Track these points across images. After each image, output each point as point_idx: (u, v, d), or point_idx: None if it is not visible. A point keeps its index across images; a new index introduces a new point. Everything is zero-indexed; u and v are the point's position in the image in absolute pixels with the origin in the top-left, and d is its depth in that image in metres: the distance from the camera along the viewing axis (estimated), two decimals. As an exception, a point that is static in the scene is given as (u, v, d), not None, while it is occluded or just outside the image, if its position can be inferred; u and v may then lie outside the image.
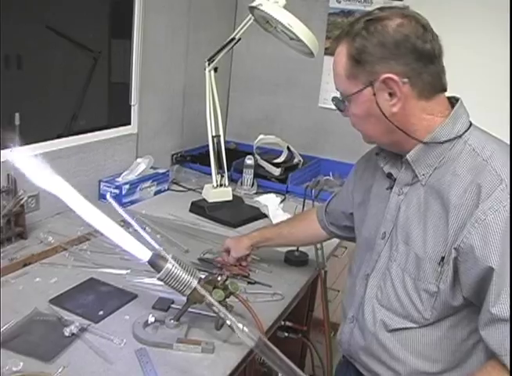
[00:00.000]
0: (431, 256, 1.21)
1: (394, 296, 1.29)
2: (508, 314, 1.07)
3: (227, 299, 1.39)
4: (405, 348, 1.28)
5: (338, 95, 1.31)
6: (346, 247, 2.52)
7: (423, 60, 1.18)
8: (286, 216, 2.37)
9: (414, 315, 1.25)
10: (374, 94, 1.20)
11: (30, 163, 1.20)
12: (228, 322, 1.33)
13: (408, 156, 1.26)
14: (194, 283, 1.34)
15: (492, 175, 1.14)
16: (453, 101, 1.28)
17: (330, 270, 2.04)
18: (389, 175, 1.35)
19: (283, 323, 1.87)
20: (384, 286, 1.32)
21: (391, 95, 1.20)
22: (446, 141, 1.22)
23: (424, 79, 1.20)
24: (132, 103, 2.56)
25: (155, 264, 1.33)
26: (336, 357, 2.23)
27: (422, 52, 1.17)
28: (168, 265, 1.32)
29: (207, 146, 2.47)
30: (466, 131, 1.23)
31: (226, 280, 1.39)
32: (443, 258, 1.19)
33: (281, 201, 2.49)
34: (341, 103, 1.30)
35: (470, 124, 1.26)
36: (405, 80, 1.18)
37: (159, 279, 1.34)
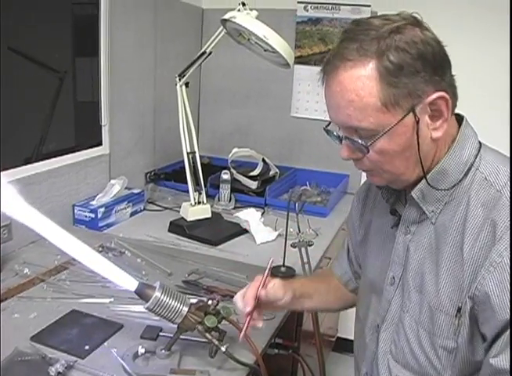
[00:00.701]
0: (447, 307, 1.05)
1: (409, 352, 1.13)
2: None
3: (219, 324, 1.34)
4: None
5: (342, 136, 1.09)
6: (330, 258, 2.48)
7: (450, 70, 1.04)
8: (268, 231, 2.32)
9: (432, 375, 1.10)
10: (418, 121, 1.00)
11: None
12: (222, 348, 1.28)
13: (413, 193, 1.10)
14: (185, 310, 1.28)
15: (506, 209, 1.00)
16: (458, 118, 1.14)
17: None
18: (393, 212, 1.21)
19: (272, 340, 1.82)
20: (398, 340, 1.16)
21: (432, 118, 1.03)
22: (455, 172, 1.08)
23: (455, 93, 1.06)
24: (103, 123, 2.49)
25: (142, 293, 1.27)
26: (329, 369, 2.19)
27: (449, 60, 1.03)
28: (157, 294, 1.26)
29: (181, 162, 2.42)
30: (476, 155, 1.09)
31: (217, 304, 1.33)
32: (460, 308, 1.03)
33: (261, 215, 2.43)
34: (361, 147, 1.05)
35: (480, 145, 1.12)
36: (450, 96, 1.02)
37: (147, 309, 1.27)
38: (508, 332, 0.94)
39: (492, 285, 0.96)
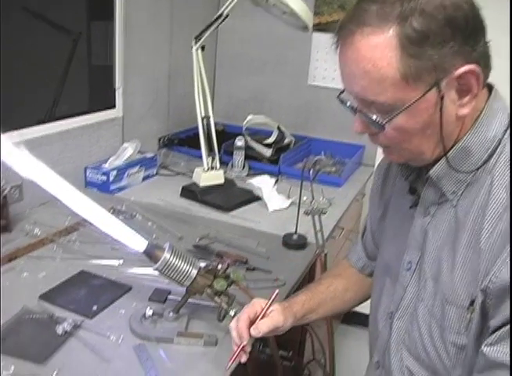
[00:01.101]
0: (460, 299, 0.97)
1: (420, 345, 1.05)
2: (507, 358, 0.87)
3: (228, 288, 1.31)
4: None
5: (356, 107, 0.99)
6: (343, 228, 2.46)
7: (485, 37, 0.92)
8: (280, 199, 2.29)
9: (441, 371, 1.02)
10: (442, 97, 0.90)
11: (11, 151, 1.10)
12: (231, 313, 1.26)
13: (431, 172, 1.00)
14: (194, 273, 1.26)
15: None
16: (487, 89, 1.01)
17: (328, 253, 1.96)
18: (412, 191, 1.11)
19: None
20: (412, 330, 1.07)
21: (460, 92, 0.92)
22: (479, 151, 0.97)
23: (488, 63, 0.94)
24: (116, 86, 2.45)
25: (151, 254, 1.24)
26: (337, 340, 2.18)
27: (483, 26, 0.91)
28: (166, 255, 1.24)
29: (195, 128, 2.38)
30: (504, 132, 0.96)
31: (227, 268, 1.30)
32: (473, 301, 0.94)
33: (274, 183, 2.40)
34: (375, 124, 0.95)
35: (509, 121, 0.98)
36: (482, 68, 0.90)
37: (156, 270, 1.25)
38: (509, 326, 0.87)
39: (507, 278, 0.86)
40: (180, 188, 2.35)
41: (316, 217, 1.87)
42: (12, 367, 1.18)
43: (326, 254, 1.90)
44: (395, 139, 0.96)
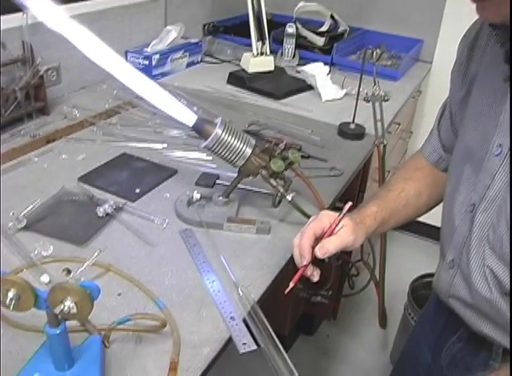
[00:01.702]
0: None
1: (507, 243, 0.89)
2: None
3: (285, 172, 1.18)
4: None
5: None
6: (399, 124, 2.29)
7: None
8: (335, 89, 2.12)
9: None
10: None
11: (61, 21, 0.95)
12: (288, 197, 1.13)
13: None
14: (248, 152, 1.13)
15: None
16: None
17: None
18: (509, 60, 0.90)
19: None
20: (498, 225, 0.91)
21: None
22: None
23: None
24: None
25: (201, 129, 1.11)
26: (390, 242, 2.07)
27: None
28: (218, 131, 1.10)
29: (240, 16, 2.20)
30: None
31: (285, 148, 1.16)
32: None
33: (328, 72, 2.21)
34: None
35: None
36: None
37: (206, 147, 1.12)
38: None
39: None
40: (227, 75, 2.20)
41: (377, 105, 1.71)
42: (51, 248, 1.09)
43: (385, 146, 1.75)
44: None
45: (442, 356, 1.11)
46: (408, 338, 1.34)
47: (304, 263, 0.98)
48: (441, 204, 1.15)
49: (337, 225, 0.99)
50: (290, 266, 1.10)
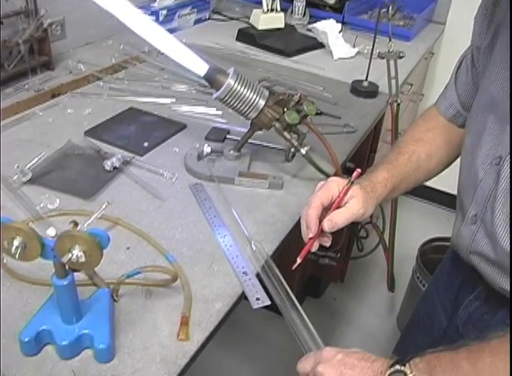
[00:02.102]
0: None
1: None
2: None
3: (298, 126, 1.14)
4: None
5: None
6: (412, 84, 2.24)
7: None
8: (347, 47, 2.06)
9: None
10: None
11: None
12: (302, 151, 1.09)
13: None
14: (261, 103, 1.09)
15: None
16: None
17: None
18: None
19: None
20: None
21: None
22: None
23: None
24: None
25: (213, 79, 1.06)
26: (398, 207, 2.03)
27: None
28: (230, 81, 1.06)
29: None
30: None
31: (299, 100, 1.12)
32: None
33: (340, 30, 2.15)
34: None
35: None
36: None
37: (217, 98, 1.08)
38: None
39: None
40: (235, 32, 2.14)
41: (391, 62, 1.65)
42: (58, 201, 1.06)
43: (398, 105, 1.70)
44: None
45: (458, 315, 1.08)
46: (420, 300, 1.31)
47: (311, 236, 0.91)
48: (450, 168, 1.10)
49: (345, 195, 0.93)
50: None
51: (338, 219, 0.90)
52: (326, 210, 0.93)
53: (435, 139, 1.15)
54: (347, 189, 0.92)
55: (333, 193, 0.92)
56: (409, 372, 0.68)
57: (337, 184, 0.93)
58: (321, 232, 0.91)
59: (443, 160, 1.16)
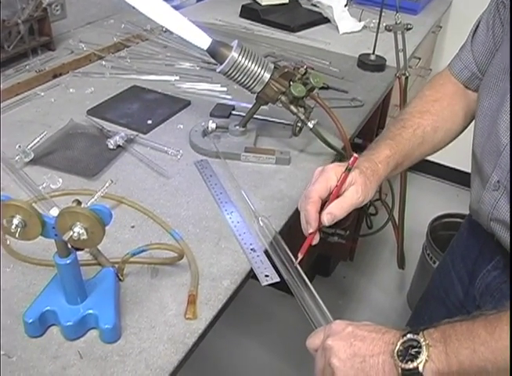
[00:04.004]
0: None
1: None
2: None
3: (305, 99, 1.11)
4: None
5: None
6: (419, 58, 2.19)
7: None
8: (353, 21, 2.02)
9: None
10: None
11: None
12: (309, 124, 1.06)
13: None
14: (267, 76, 1.06)
15: None
16: None
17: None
18: None
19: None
20: None
21: None
22: None
23: None
24: None
25: (216, 52, 1.04)
26: (410, 181, 2.00)
27: None
28: (234, 54, 1.03)
29: None
30: None
31: (306, 72, 1.09)
32: None
33: (346, 3, 2.11)
34: None
35: None
36: None
37: (221, 72, 1.05)
38: None
39: None
40: (239, 9, 2.10)
41: (399, 35, 1.61)
42: (61, 180, 1.04)
43: (407, 78, 1.66)
44: None
45: (476, 286, 1.05)
46: (434, 272, 1.29)
47: (311, 231, 0.88)
48: (460, 145, 1.06)
49: (344, 182, 0.88)
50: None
51: (337, 211, 0.87)
52: (325, 202, 0.89)
53: (443, 110, 1.10)
54: (346, 177, 0.87)
55: (331, 184, 0.88)
56: (422, 340, 0.65)
57: (334, 173, 0.89)
58: (321, 225, 0.88)
59: (449, 133, 1.11)
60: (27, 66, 1.51)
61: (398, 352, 0.66)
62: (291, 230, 1.00)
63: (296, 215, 1.02)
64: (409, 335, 0.67)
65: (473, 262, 1.07)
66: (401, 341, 0.67)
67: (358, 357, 0.68)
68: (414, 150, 1.04)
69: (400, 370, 0.65)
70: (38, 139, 1.13)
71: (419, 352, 0.65)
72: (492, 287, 1.01)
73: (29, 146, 1.10)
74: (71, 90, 1.41)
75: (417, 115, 1.07)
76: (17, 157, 1.08)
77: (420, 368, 0.64)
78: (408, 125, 1.05)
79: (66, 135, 1.20)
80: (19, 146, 1.09)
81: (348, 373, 0.68)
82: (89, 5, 1.86)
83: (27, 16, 1.55)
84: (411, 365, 0.64)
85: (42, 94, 1.39)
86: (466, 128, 1.12)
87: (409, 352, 0.65)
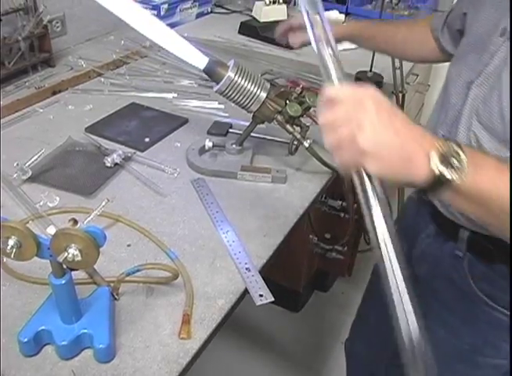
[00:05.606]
0: None
1: (497, 112, 0.90)
2: None
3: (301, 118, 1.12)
4: None
5: None
6: (417, 75, 2.21)
7: None
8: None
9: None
10: None
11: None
12: (305, 144, 1.07)
13: None
14: (263, 95, 1.07)
15: None
16: None
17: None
18: None
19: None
20: (490, 98, 0.92)
21: None
22: None
23: None
24: None
25: (213, 72, 1.04)
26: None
27: None
28: (230, 74, 1.04)
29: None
30: None
31: (302, 92, 1.10)
32: None
33: (344, 21, 2.12)
34: None
35: None
36: None
37: (218, 91, 1.06)
38: None
39: None
40: (238, 25, 2.12)
41: (396, 52, 1.63)
42: (58, 199, 1.04)
43: (404, 95, 1.68)
44: None
45: (413, 256, 1.13)
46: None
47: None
48: None
49: None
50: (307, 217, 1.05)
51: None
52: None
53: (424, 42, 1.32)
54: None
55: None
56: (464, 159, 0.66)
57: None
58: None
59: (416, 55, 1.38)
60: (27, 83, 1.53)
61: (441, 152, 0.66)
62: (283, 253, 1.00)
63: (291, 233, 1.03)
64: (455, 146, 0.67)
65: (412, 234, 1.14)
66: (446, 144, 0.67)
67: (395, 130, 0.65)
68: (375, 35, 1.38)
69: (437, 171, 0.65)
70: (36, 156, 1.13)
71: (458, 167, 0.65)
72: (426, 254, 1.10)
73: (27, 164, 1.10)
74: (70, 107, 1.42)
75: (403, 26, 1.40)
76: (15, 175, 1.09)
77: (455, 179, 0.65)
78: (392, 25, 1.40)
79: (64, 152, 1.21)
80: (17, 164, 1.10)
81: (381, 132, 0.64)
82: (89, 22, 1.87)
83: (28, 33, 1.57)
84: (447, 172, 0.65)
85: (41, 111, 1.40)
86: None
87: (450, 160, 0.65)
